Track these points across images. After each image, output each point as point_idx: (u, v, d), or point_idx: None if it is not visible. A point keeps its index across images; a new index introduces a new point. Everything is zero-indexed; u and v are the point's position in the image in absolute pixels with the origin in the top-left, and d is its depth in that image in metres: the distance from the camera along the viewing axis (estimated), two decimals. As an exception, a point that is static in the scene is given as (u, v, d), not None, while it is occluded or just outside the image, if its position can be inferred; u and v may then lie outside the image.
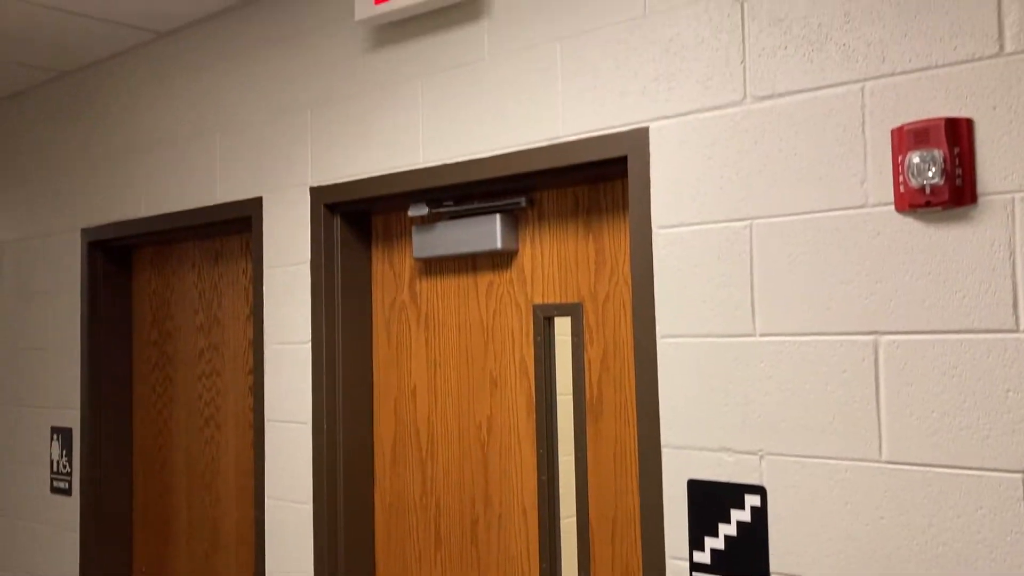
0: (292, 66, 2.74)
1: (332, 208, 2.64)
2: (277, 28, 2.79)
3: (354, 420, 2.64)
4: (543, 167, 2.14)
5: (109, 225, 3.33)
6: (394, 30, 2.47)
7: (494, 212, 2.39)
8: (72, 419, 3.45)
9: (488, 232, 2.38)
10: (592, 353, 2.23)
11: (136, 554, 3.47)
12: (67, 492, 3.46)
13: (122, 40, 3.20)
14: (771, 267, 1.77)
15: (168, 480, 3.35)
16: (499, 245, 2.36)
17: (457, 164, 2.31)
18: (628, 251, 2.17)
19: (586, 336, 2.24)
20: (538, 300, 2.35)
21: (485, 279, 2.46)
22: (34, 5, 2.85)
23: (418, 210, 2.50)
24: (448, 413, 2.52)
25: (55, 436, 3.52)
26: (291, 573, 2.68)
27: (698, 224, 1.87)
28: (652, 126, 1.96)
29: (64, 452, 3.47)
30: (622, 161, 2.03)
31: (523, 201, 2.35)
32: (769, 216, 1.78)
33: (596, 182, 2.24)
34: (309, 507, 2.62)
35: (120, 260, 3.51)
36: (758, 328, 1.78)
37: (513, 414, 2.38)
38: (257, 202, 2.81)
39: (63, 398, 3.50)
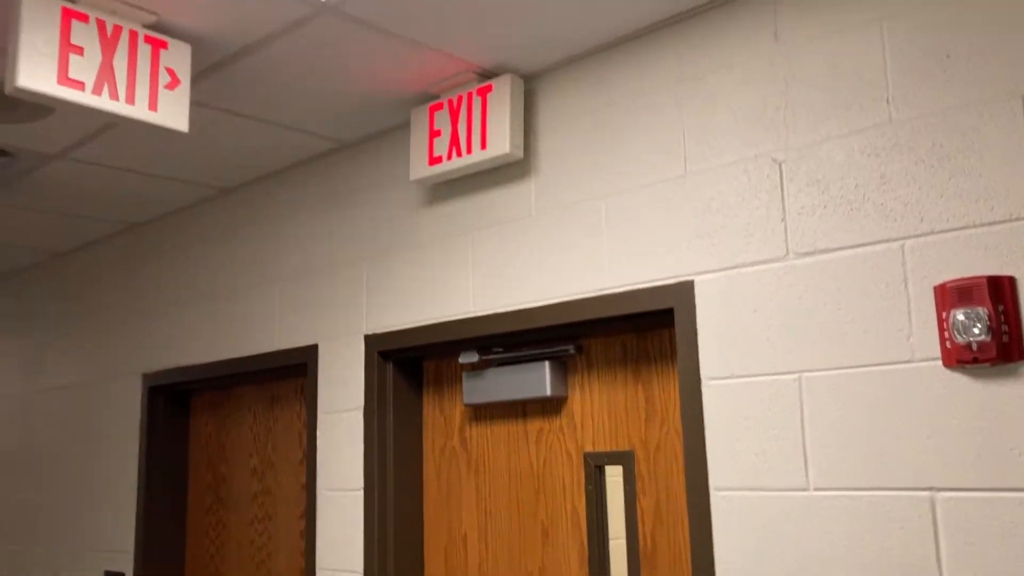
0: (349, 221, 2.88)
1: (385, 355, 2.71)
2: (335, 186, 2.94)
3: (405, 569, 2.63)
4: (590, 317, 2.20)
5: (170, 370, 3.44)
6: (446, 188, 2.60)
7: (543, 359, 2.44)
8: (125, 563, 3.47)
9: (537, 379, 2.43)
10: (645, 503, 2.22)
11: None
12: (117, 639, 3.45)
13: (188, 196, 3.39)
14: (822, 420, 1.78)
15: (217, 627, 3.32)
16: (548, 392, 2.40)
17: (506, 313, 2.37)
18: (678, 400, 2.19)
19: (638, 485, 2.24)
20: (588, 447, 2.36)
21: (535, 425, 2.49)
22: (109, 168, 3.05)
23: (468, 357, 2.56)
24: (499, 562, 2.50)
25: (108, 581, 3.53)
26: None
27: (747, 376, 1.90)
28: (697, 279, 2.01)
29: (116, 597, 3.47)
30: (668, 312, 2.08)
31: (572, 348, 2.40)
32: (818, 369, 1.80)
33: (644, 331, 2.28)
34: (359, 660, 2.58)
35: (179, 404, 3.60)
36: (812, 482, 1.78)
37: (566, 565, 2.36)
38: (313, 349, 2.90)
39: (118, 541, 3.53)
